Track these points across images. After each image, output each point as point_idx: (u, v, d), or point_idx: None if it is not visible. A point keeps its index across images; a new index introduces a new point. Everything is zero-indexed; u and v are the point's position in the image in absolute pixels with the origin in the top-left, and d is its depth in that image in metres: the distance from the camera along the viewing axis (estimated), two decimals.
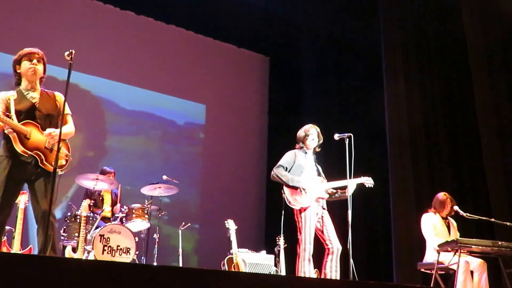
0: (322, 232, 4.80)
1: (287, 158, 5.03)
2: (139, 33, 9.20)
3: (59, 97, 4.07)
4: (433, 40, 8.10)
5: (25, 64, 3.90)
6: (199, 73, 9.73)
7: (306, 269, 4.64)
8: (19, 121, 3.76)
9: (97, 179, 6.19)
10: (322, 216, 4.84)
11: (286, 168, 4.94)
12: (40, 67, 3.91)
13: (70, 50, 3.87)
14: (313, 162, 5.05)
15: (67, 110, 4.05)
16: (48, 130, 3.80)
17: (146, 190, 6.74)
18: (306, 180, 4.84)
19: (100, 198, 6.88)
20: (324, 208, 4.90)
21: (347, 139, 4.87)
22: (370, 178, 5.01)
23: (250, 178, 10.10)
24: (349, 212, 4.78)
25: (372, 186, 5.02)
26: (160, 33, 9.46)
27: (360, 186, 4.99)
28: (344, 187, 4.88)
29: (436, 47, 8.06)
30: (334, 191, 4.92)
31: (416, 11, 8.24)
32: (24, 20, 8.02)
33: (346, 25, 9.21)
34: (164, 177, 6.88)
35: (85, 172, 6.17)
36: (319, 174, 5.01)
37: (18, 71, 3.94)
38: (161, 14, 9.37)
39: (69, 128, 4.05)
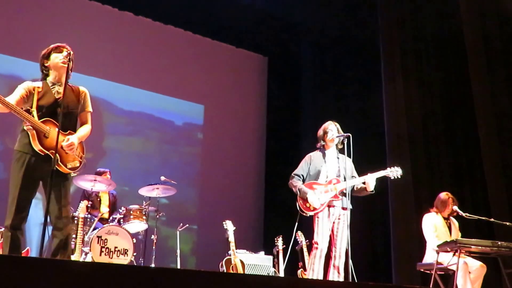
0: (333, 234, 4.80)
1: (301, 165, 5.06)
2: (137, 34, 9.17)
3: (83, 92, 4.02)
4: (431, 38, 8.10)
5: (56, 56, 3.84)
6: (197, 73, 9.71)
7: (316, 266, 4.66)
8: (39, 117, 3.68)
9: (95, 180, 6.17)
10: (339, 218, 4.81)
11: (302, 176, 4.98)
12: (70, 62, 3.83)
13: (68, 52, 3.84)
14: (335, 160, 4.99)
15: (87, 108, 4.01)
16: (70, 139, 3.75)
17: (144, 191, 6.72)
18: (313, 191, 4.80)
19: (98, 199, 6.86)
20: (344, 209, 4.82)
21: (346, 139, 4.83)
22: (397, 169, 4.95)
23: (249, 179, 10.08)
24: (348, 212, 4.77)
25: (400, 176, 4.98)
26: (158, 34, 9.44)
27: (381, 179, 4.95)
28: (363, 183, 4.87)
29: (435, 45, 8.06)
30: (359, 186, 4.88)
31: (415, 9, 8.24)
32: (21, 21, 8.00)
33: (345, 24, 9.20)
34: (162, 178, 6.87)
35: (82, 173, 6.13)
36: (340, 173, 4.93)
37: (47, 64, 3.86)
38: (159, 15, 9.34)
39: (86, 129, 3.99)
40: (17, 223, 3.55)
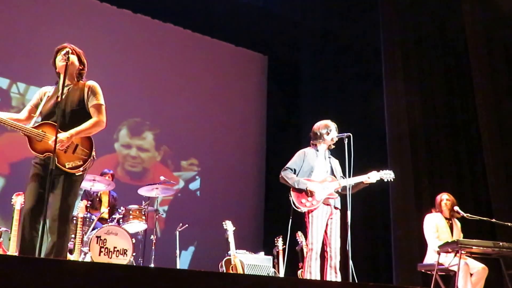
0: (326, 234, 4.76)
1: (295, 159, 4.96)
2: (136, 32, 9.16)
3: (89, 86, 3.91)
4: (433, 39, 8.07)
5: (58, 58, 3.85)
6: (196, 71, 9.69)
7: (313, 268, 4.61)
8: (41, 121, 3.72)
9: (94, 180, 6.15)
10: (332, 218, 4.79)
11: (295, 170, 4.88)
12: (72, 58, 3.80)
13: (67, 50, 3.81)
14: (327, 160, 4.97)
15: (94, 101, 3.86)
16: (60, 136, 3.58)
17: (144, 191, 6.70)
18: (313, 183, 4.77)
19: (98, 199, 6.83)
20: (336, 208, 4.84)
21: (346, 139, 4.81)
22: (390, 172, 4.95)
23: (248, 178, 10.07)
24: (349, 212, 4.74)
25: (393, 180, 4.98)
26: (157, 32, 9.42)
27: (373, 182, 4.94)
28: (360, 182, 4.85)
29: (436, 45, 8.03)
30: (354, 184, 4.84)
31: (416, 10, 8.21)
32: (19, 18, 7.97)
33: (345, 23, 9.18)
34: (162, 177, 6.84)
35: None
36: (332, 173, 4.93)
37: (57, 70, 3.90)
38: (158, 13, 9.33)
39: (89, 123, 3.79)
40: (30, 215, 3.58)
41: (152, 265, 6.26)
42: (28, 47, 7.72)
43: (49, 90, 3.88)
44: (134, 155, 8.90)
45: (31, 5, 8.15)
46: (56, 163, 3.57)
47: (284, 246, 6.87)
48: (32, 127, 3.68)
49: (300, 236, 7.06)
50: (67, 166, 3.67)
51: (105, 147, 8.45)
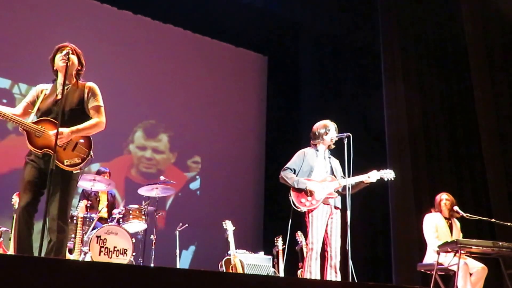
0: (326, 234, 4.77)
1: (294, 159, 4.98)
2: (136, 33, 9.16)
3: (89, 87, 3.91)
4: (432, 39, 8.08)
5: (57, 57, 3.84)
6: (197, 72, 9.68)
7: (313, 268, 4.62)
8: (38, 118, 3.71)
9: (94, 179, 6.15)
10: (332, 217, 4.80)
11: (294, 170, 4.90)
12: (73, 58, 3.81)
13: (67, 50, 3.82)
14: (327, 160, 4.98)
15: (93, 102, 3.87)
16: (61, 130, 3.59)
17: (144, 191, 6.70)
18: (313, 182, 4.78)
19: (97, 199, 6.83)
20: (337, 208, 4.85)
21: (346, 139, 4.82)
22: (390, 171, 4.97)
23: (248, 178, 10.06)
24: (348, 212, 4.75)
25: (393, 179, 4.99)
26: (157, 33, 9.41)
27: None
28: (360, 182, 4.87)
29: (436, 46, 8.04)
30: (354, 183, 4.84)
31: (415, 11, 8.22)
32: (20, 20, 7.97)
33: (345, 24, 9.18)
34: (162, 177, 6.85)
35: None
36: (332, 173, 4.94)
37: (55, 67, 3.88)
38: (158, 14, 9.33)
39: (90, 122, 3.80)
40: (24, 211, 3.55)
41: (152, 265, 6.26)
42: (29, 48, 7.71)
43: (46, 88, 3.87)
44: (149, 156, 8.93)
45: (31, 6, 8.14)
46: (56, 160, 3.57)
47: (284, 246, 6.88)
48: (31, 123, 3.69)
49: (300, 236, 7.06)
50: (65, 164, 3.65)
51: (120, 149, 8.48)
